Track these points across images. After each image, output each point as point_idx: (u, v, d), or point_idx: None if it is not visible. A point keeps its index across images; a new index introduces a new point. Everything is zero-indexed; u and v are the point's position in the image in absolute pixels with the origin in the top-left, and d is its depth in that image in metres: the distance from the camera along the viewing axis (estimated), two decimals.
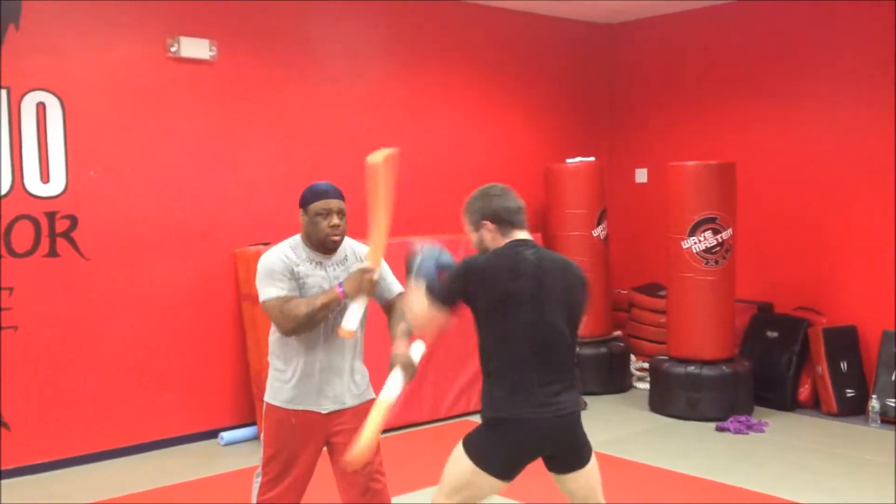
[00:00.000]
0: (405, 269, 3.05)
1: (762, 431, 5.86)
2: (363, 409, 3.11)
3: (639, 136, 7.94)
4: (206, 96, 5.71)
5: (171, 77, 5.55)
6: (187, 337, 5.67)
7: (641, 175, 7.90)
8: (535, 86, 7.55)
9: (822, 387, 6.27)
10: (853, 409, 6.18)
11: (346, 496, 3.13)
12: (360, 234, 3.27)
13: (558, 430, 2.89)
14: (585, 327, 6.87)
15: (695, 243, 6.11)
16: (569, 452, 2.95)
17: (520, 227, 2.97)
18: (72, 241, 5.21)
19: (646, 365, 7.00)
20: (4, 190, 4.98)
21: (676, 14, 7.50)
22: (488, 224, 2.95)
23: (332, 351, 3.07)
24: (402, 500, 3.59)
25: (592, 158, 7.18)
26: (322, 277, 3.08)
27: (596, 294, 7.02)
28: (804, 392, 6.42)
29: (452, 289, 2.90)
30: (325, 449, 3.17)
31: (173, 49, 5.51)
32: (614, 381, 7.00)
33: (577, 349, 2.97)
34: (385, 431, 2.99)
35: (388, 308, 3.25)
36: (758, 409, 6.28)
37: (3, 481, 4.94)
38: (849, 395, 6.22)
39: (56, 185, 5.15)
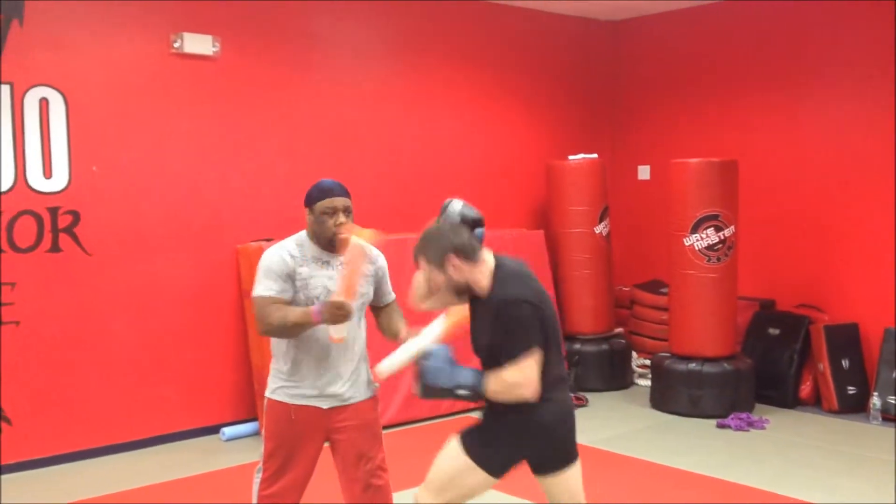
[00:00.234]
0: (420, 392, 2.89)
1: (763, 428, 5.86)
2: (364, 406, 3.12)
3: (641, 132, 7.93)
4: (209, 92, 5.71)
5: (174, 73, 5.56)
6: (189, 332, 5.67)
7: (644, 172, 7.90)
8: (538, 83, 7.54)
9: (823, 384, 6.28)
10: (854, 406, 6.19)
11: (348, 493, 3.12)
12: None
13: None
14: (587, 324, 7.03)
15: (697, 240, 6.11)
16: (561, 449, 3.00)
17: (480, 246, 2.94)
18: (74, 237, 5.22)
19: (647, 362, 7.00)
20: (7, 185, 4.98)
21: (679, 11, 7.49)
22: (454, 259, 2.83)
23: (334, 347, 3.04)
24: (404, 496, 3.59)
25: (595, 155, 7.18)
26: (328, 277, 3.03)
27: (598, 291, 7.12)
28: (805, 389, 6.42)
29: (537, 336, 2.79)
30: (326, 445, 3.16)
31: (176, 45, 5.51)
32: (616, 377, 7.01)
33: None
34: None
35: (377, 312, 3.25)
36: (759, 406, 6.28)
37: (5, 476, 4.95)
38: (850, 392, 6.22)
39: (59, 180, 5.15)
